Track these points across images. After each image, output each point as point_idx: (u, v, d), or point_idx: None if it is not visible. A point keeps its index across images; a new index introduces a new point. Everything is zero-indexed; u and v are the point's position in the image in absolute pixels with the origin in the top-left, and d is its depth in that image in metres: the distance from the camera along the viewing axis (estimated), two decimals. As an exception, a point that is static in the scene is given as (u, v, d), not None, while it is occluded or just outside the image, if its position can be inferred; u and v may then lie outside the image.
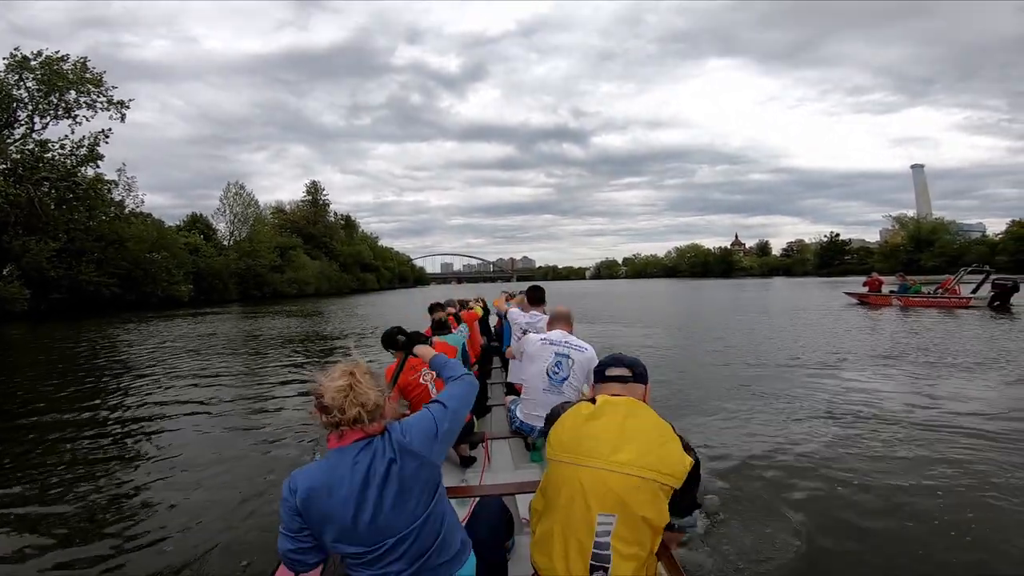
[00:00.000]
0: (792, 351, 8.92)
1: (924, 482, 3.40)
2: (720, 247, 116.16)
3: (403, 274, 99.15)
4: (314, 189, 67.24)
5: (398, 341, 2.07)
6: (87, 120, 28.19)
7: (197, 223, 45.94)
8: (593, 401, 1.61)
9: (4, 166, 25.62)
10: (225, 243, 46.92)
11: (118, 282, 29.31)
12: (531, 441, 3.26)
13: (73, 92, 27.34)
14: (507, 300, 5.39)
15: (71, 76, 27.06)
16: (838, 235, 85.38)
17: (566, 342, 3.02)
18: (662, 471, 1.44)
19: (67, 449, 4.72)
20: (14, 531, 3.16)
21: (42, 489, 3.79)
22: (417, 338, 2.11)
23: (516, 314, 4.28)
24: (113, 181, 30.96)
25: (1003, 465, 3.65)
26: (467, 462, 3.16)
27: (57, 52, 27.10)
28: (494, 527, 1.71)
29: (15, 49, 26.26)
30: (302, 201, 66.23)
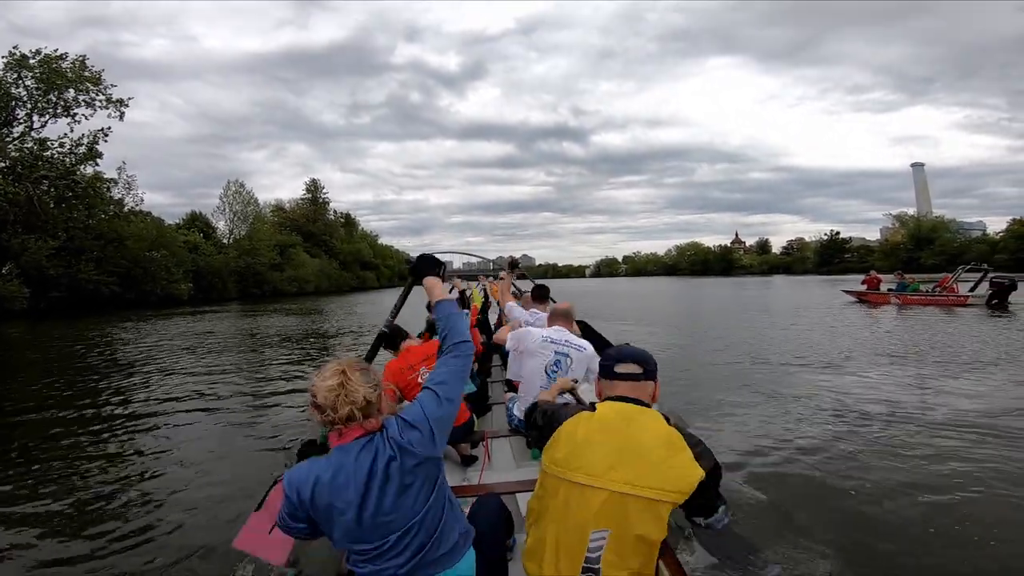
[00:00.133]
0: (792, 349, 8.94)
1: (933, 481, 3.42)
2: (720, 245, 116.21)
3: (403, 272, 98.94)
4: (314, 187, 67.15)
5: (417, 261, 1.83)
6: (86, 118, 28.11)
7: (196, 221, 45.85)
8: (592, 407, 1.51)
9: (3, 164, 25.55)
10: (225, 241, 46.87)
11: (117, 280, 29.28)
12: (531, 439, 3.29)
13: (72, 90, 27.23)
14: (514, 299, 5.34)
15: (69, 74, 26.96)
16: (838, 233, 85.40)
17: (566, 340, 3.05)
18: (665, 488, 1.37)
19: (64, 447, 4.73)
20: (10, 529, 3.17)
21: (39, 486, 3.81)
22: (435, 263, 1.83)
23: (516, 311, 4.29)
24: (112, 179, 30.96)
25: (1006, 461, 3.67)
26: (468, 461, 3.16)
27: (56, 51, 27.07)
28: (493, 525, 1.70)
29: (14, 47, 26.19)
30: (302, 199, 66.16)
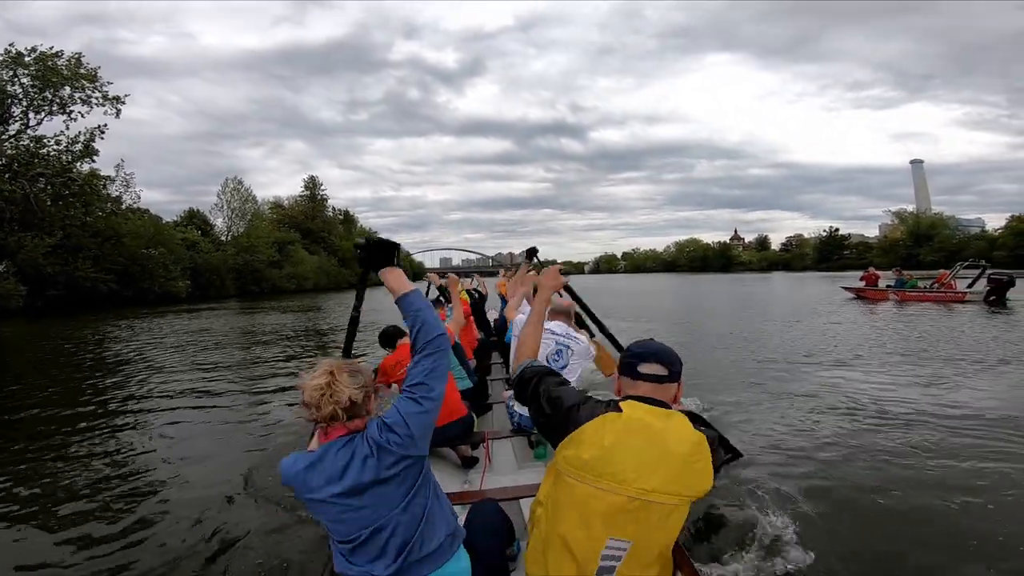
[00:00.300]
0: (792, 345, 8.94)
1: (941, 479, 3.39)
2: (719, 242, 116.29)
3: (401, 269, 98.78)
4: (312, 184, 67.02)
5: (364, 248, 1.57)
6: (82, 116, 28.02)
7: (194, 219, 45.75)
8: (619, 408, 1.40)
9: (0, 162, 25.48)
10: (223, 238, 46.78)
11: (115, 278, 29.23)
12: (534, 439, 3.26)
13: (67, 88, 27.12)
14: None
15: (65, 72, 26.84)
16: (837, 230, 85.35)
17: (567, 333, 3.15)
18: (685, 494, 1.35)
19: (60, 445, 4.71)
20: (10, 528, 3.15)
21: (35, 484, 3.79)
22: (386, 252, 1.53)
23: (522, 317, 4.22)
24: (109, 176, 30.84)
25: (1008, 457, 3.67)
26: (468, 463, 3.14)
27: (51, 48, 26.94)
28: (492, 533, 1.66)
29: (9, 45, 26.07)
30: (300, 196, 66.02)
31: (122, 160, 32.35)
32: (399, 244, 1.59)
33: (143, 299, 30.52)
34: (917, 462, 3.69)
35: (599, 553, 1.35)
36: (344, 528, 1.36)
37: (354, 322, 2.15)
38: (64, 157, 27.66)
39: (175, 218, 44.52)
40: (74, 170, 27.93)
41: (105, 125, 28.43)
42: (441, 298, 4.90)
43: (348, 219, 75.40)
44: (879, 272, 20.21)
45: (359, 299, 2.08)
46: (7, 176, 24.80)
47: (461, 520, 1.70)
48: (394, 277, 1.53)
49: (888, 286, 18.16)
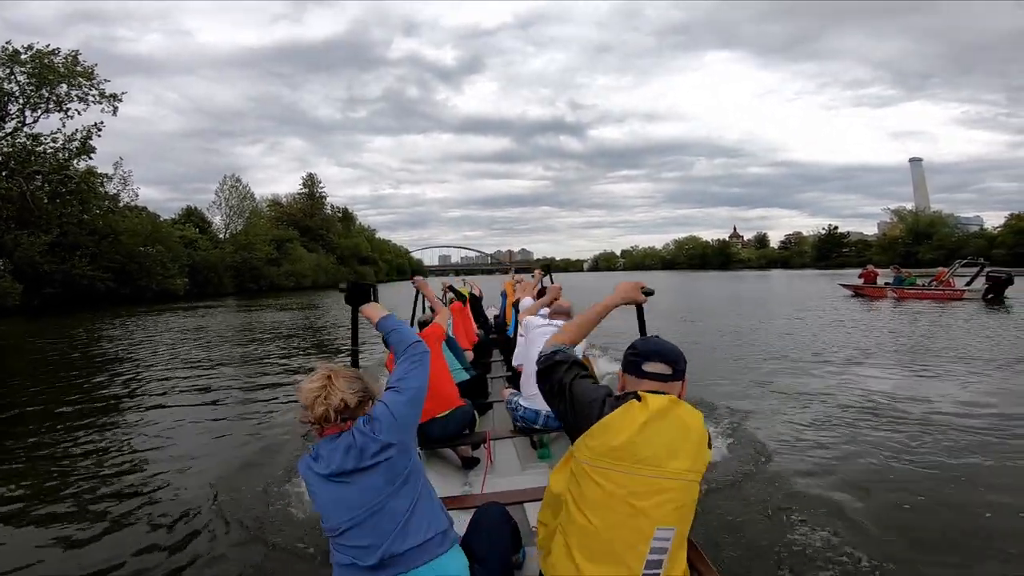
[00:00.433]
0: (792, 342, 8.93)
1: (951, 478, 3.37)
2: (718, 239, 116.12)
3: (400, 267, 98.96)
4: (311, 182, 66.92)
5: (348, 291, 1.99)
6: (79, 113, 27.98)
7: (192, 216, 45.63)
8: (638, 397, 1.39)
9: (-4, 160, 25.38)
10: (221, 236, 46.67)
11: (112, 276, 29.13)
12: (536, 439, 3.21)
13: (64, 85, 27.03)
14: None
15: (62, 69, 26.74)
16: (836, 228, 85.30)
17: None
18: (702, 471, 1.39)
19: (57, 443, 4.68)
20: (7, 526, 3.13)
21: (33, 483, 3.76)
22: (363, 293, 1.97)
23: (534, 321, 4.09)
24: (106, 174, 30.77)
25: (1005, 454, 3.66)
26: (469, 463, 3.10)
27: (48, 46, 26.80)
28: (497, 537, 1.62)
29: (6, 43, 25.93)
30: (298, 194, 65.90)
31: (120, 158, 32.49)
32: (374, 285, 2.02)
33: (141, 297, 30.44)
34: (919, 458, 3.67)
35: (648, 545, 1.29)
36: (331, 516, 1.43)
37: (355, 355, 2.36)
38: (61, 155, 27.60)
39: (173, 216, 44.49)
40: (71, 168, 27.84)
41: (102, 123, 28.42)
42: (451, 295, 6.08)
43: (347, 217, 75.37)
44: (878, 270, 20.23)
45: (355, 340, 2.31)
46: (3, 174, 24.74)
47: (465, 523, 1.67)
48: (370, 310, 1.89)
49: (887, 284, 18.18)
